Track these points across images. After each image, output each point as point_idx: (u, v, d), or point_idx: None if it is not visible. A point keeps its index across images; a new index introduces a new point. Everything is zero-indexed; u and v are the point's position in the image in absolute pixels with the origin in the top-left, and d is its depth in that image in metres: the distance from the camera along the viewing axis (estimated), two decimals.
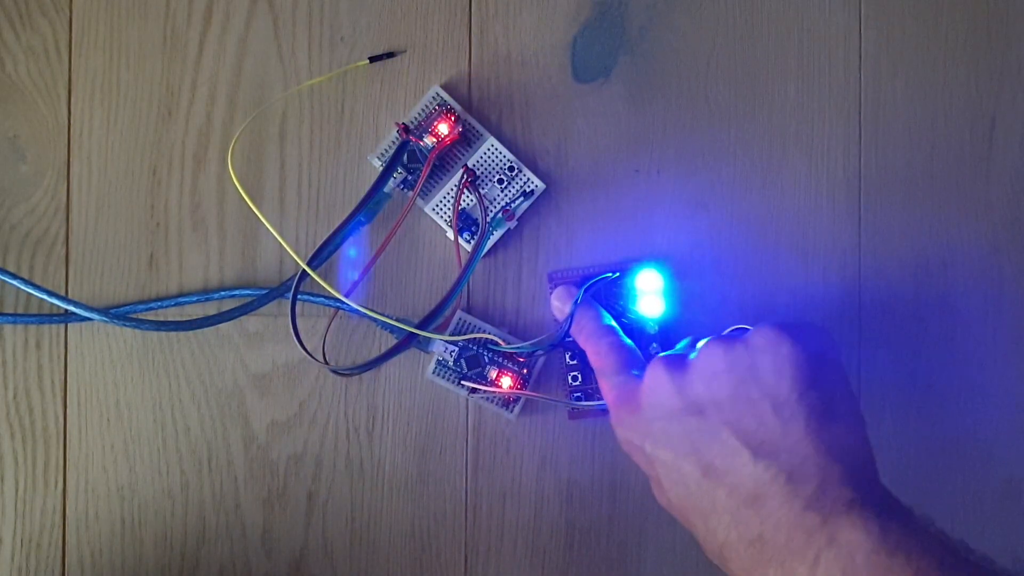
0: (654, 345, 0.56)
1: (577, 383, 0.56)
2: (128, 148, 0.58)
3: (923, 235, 0.57)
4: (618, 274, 0.56)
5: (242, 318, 0.56)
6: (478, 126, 0.57)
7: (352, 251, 0.57)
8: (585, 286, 0.55)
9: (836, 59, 0.58)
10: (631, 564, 0.57)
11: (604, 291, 0.57)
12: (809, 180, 0.58)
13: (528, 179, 0.57)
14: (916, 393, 0.57)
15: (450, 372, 0.56)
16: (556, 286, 0.57)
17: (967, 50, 0.58)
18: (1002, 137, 0.58)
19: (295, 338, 0.53)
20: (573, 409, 0.57)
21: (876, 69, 0.58)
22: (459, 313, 0.57)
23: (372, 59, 0.58)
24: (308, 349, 0.53)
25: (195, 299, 0.57)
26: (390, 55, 0.58)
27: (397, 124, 0.56)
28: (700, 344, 0.46)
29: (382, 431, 0.58)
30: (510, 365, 0.55)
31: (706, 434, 0.43)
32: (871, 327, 0.57)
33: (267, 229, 0.56)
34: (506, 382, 0.55)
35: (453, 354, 0.55)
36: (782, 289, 0.57)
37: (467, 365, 0.55)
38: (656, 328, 0.56)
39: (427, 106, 0.57)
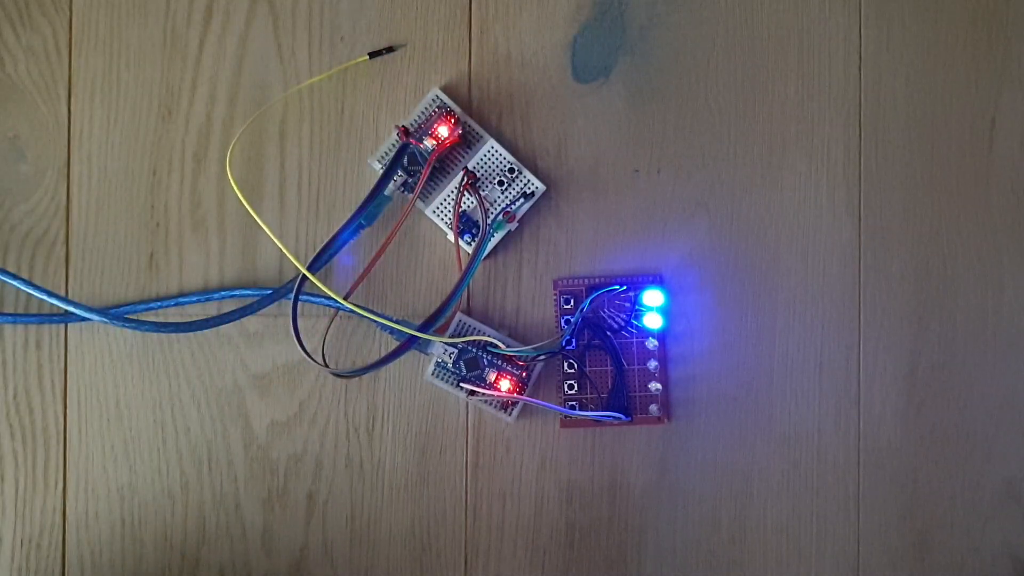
0: (652, 361, 0.57)
1: (573, 391, 0.57)
2: (128, 148, 0.58)
3: (923, 235, 0.57)
4: (625, 287, 0.56)
5: (242, 318, 0.56)
6: (478, 128, 0.57)
7: (352, 254, 0.57)
8: (591, 297, 0.55)
9: (836, 59, 0.58)
10: (631, 564, 0.57)
11: (608, 302, 0.57)
12: (809, 180, 0.58)
13: (528, 180, 0.56)
14: (916, 393, 0.57)
15: (449, 374, 0.56)
16: (561, 293, 0.57)
17: (967, 50, 0.58)
18: (1002, 137, 0.58)
19: (296, 342, 0.53)
20: (566, 417, 0.57)
21: (876, 69, 0.58)
22: (459, 315, 0.57)
23: (372, 55, 0.58)
24: (309, 351, 0.54)
25: (195, 299, 0.57)
26: (390, 50, 0.58)
27: (397, 127, 0.56)
28: None
29: (382, 431, 0.58)
30: (509, 368, 0.55)
31: None
32: (871, 327, 0.57)
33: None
34: (505, 385, 0.55)
35: (452, 356, 0.55)
36: (782, 289, 0.57)
37: (466, 367, 0.55)
38: (655, 343, 0.57)
39: (427, 108, 0.57)
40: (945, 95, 0.58)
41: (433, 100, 0.57)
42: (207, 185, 0.58)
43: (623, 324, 0.57)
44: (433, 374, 0.56)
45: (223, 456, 0.58)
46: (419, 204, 0.57)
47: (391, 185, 0.55)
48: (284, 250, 0.54)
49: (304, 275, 0.54)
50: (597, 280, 0.57)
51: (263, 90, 0.58)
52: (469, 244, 0.57)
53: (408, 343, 0.55)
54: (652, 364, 0.57)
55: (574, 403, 0.57)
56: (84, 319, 0.56)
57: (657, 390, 0.57)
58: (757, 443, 0.57)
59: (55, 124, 0.58)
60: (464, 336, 0.56)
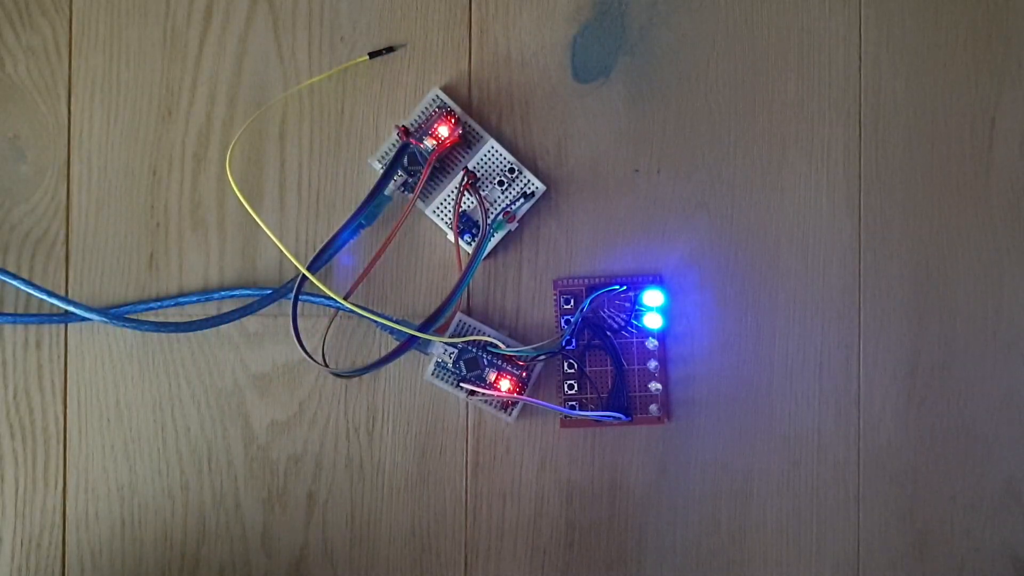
0: (652, 362, 0.57)
1: (573, 391, 0.57)
2: (128, 148, 0.58)
3: (923, 235, 0.57)
4: (625, 287, 0.56)
5: (242, 318, 0.56)
6: (478, 128, 0.57)
7: (352, 254, 0.57)
8: (591, 297, 0.55)
9: (836, 59, 0.58)
10: (631, 564, 0.57)
11: (608, 302, 0.57)
12: (809, 180, 0.58)
13: (528, 180, 0.56)
14: (916, 393, 0.57)
15: (449, 374, 0.56)
16: (561, 293, 0.57)
17: (967, 50, 0.58)
18: (1002, 137, 0.58)
19: (296, 342, 0.53)
20: (566, 417, 0.57)
21: (876, 69, 0.58)
22: (459, 315, 0.57)
23: (372, 55, 0.58)
24: (309, 351, 0.54)
25: (195, 299, 0.57)
26: (390, 50, 0.58)
27: (397, 127, 0.56)
28: None
29: (382, 431, 0.58)
30: (509, 368, 0.55)
31: None
32: (871, 327, 0.57)
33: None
34: (505, 385, 0.55)
35: (452, 356, 0.55)
36: (782, 289, 0.57)
37: (466, 367, 0.55)
38: (655, 343, 0.57)
39: (427, 108, 0.57)
40: (945, 95, 0.58)
41: (433, 100, 0.57)
42: (207, 185, 0.58)
43: (623, 324, 0.57)
44: (433, 374, 0.56)
45: (223, 456, 0.58)
46: (419, 204, 0.57)
47: (391, 185, 0.55)
48: (284, 250, 0.54)
49: (304, 275, 0.54)
50: (597, 280, 0.57)
51: (263, 90, 0.58)
52: (469, 244, 0.57)
53: (408, 343, 0.55)
54: (652, 364, 0.57)
55: (574, 403, 0.57)
56: (84, 319, 0.56)
57: (657, 390, 0.57)
58: (757, 443, 0.57)
59: (55, 124, 0.58)
60: (464, 336, 0.56)
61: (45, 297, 0.54)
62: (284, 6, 0.58)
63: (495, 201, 0.57)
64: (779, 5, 0.58)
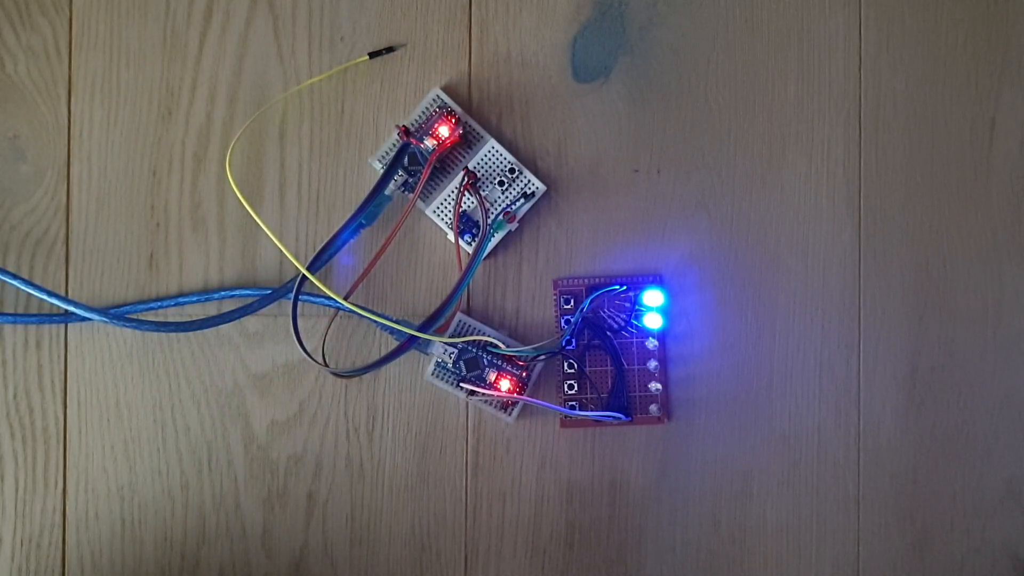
0: (652, 362, 0.57)
1: (573, 391, 0.57)
2: (128, 148, 0.58)
3: (923, 235, 0.57)
4: (625, 287, 0.56)
5: (242, 318, 0.56)
6: (479, 128, 0.57)
7: (352, 254, 0.57)
8: (591, 297, 0.55)
9: (836, 59, 0.58)
10: (631, 564, 0.57)
11: (608, 302, 0.57)
12: (809, 180, 0.58)
13: (529, 181, 0.56)
14: (916, 393, 0.57)
15: (449, 374, 0.56)
16: (561, 293, 0.57)
17: (967, 50, 0.58)
18: (1002, 137, 0.58)
19: (296, 342, 0.53)
20: (566, 417, 0.57)
21: (876, 69, 0.58)
22: (459, 315, 0.57)
23: (372, 55, 0.58)
24: (309, 351, 0.54)
25: (195, 299, 0.57)
26: (390, 50, 0.58)
27: (398, 127, 0.56)
28: None
29: (382, 431, 0.58)
30: (509, 368, 0.55)
31: None
32: (871, 327, 0.57)
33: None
34: (505, 385, 0.55)
35: (452, 356, 0.55)
36: (782, 289, 0.57)
37: (466, 367, 0.55)
38: (655, 343, 0.57)
39: (427, 108, 0.57)
40: (945, 95, 0.58)
41: (434, 100, 0.57)
42: (207, 185, 0.58)
43: (623, 324, 0.57)
44: (433, 374, 0.56)
45: (223, 456, 0.58)
46: (419, 204, 0.57)
47: (391, 185, 0.55)
48: (284, 250, 0.54)
49: (304, 275, 0.54)
50: (597, 280, 0.57)
51: (263, 90, 0.58)
52: (469, 244, 0.57)
53: (408, 343, 0.55)
54: (652, 364, 0.57)
55: (574, 403, 0.57)
56: (84, 319, 0.56)
57: (657, 390, 0.57)
58: (757, 443, 0.57)
59: (55, 124, 0.58)
60: (464, 336, 0.56)
61: (45, 297, 0.54)
62: (284, 6, 0.58)
63: (495, 201, 0.57)
64: (779, 5, 0.58)
